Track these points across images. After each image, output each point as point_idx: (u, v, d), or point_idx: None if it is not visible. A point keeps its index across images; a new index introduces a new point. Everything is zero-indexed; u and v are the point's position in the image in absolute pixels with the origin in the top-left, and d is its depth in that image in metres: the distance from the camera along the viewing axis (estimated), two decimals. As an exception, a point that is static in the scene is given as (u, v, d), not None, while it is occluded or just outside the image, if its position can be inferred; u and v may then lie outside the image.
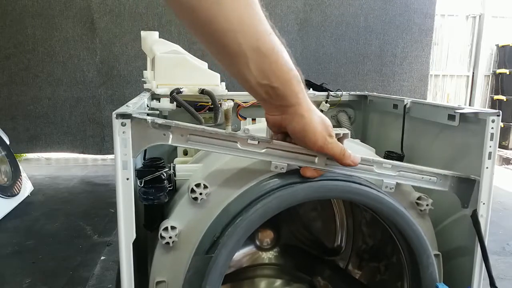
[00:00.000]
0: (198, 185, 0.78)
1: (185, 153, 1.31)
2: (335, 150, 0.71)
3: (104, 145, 3.49)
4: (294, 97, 0.67)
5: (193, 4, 0.59)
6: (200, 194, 0.78)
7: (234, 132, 0.73)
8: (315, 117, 0.69)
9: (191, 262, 0.77)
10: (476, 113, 0.88)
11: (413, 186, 0.92)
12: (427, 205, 0.90)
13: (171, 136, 0.69)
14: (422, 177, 0.83)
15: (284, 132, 0.73)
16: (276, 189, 0.75)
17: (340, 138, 0.87)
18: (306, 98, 0.69)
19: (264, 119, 0.76)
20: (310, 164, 0.75)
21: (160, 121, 0.69)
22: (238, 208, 0.76)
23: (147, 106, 1.20)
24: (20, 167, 3.00)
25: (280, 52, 0.66)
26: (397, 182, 0.82)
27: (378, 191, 0.79)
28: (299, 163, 0.75)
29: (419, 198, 0.90)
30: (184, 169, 0.92)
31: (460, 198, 0.87)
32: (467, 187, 0.86)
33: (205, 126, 0.71)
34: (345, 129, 0.82)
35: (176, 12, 0.63)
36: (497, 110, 0.85)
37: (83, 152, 3.52)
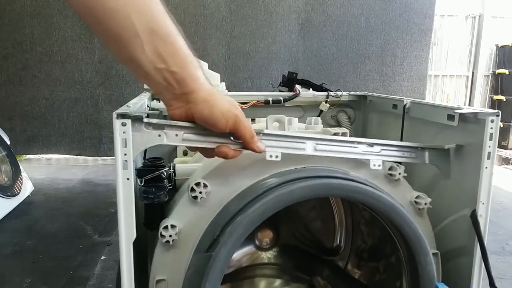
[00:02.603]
0: (198, 184, 0.78)
1: (185, 153, 1.31)
2: (246, 131, 0.69)
3: (102, 147, 3.47)
4: (195, 82, 0.64)
5: None
6: (200, 193, 0.78)
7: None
8: (219, 98, 0.67)
9: (191, 260, 0.77)
10: (475, 113, 0.89)
11: (411, 185, 0.93)
12: (425, 203, 0.90)
13: (165, 136, 0.70)
14: (403, 153, 0.88)
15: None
16: (275, 187, 0.76)
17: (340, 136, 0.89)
18: (207, 83, 0.67)
19: (263, 119, 0.76)
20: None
21: (154, 121, 0.69)
22: (237, 207, 0.76)
23: (147, 106, 1.20)
24: (21, 167, 3.00)
25: (176, 36, 0.62)
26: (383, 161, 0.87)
27: (376, 189, 0.80)
28: (213, 144, 0.73)
29: (417, 197, 0.90)
30: (184, 169, 0.92)
31: (440, 170, 0.90)
32: (444, 158, 0.90)
33: (197, 124, 0.70)
34: (343, 128, 0.83)
35: None
36: (496, 110, 0.86)
37: (80, 154, 3.50)
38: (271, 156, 0.77)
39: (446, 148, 0.92)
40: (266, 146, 0.76)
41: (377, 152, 0.86)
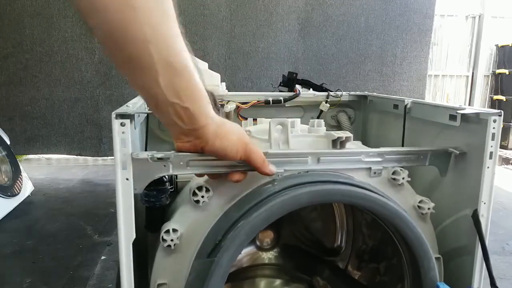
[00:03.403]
0: (200, 188, 0.78)
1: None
2: (257, 157, 0.72)
3: (102, 147, 3.47)
4: (206, 118, 0.64)
5: (105, 5, 0.53)
6: (202, 197, 0.78)
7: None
8: (228, 130, 0.68)
9: (192, 265, 0.77)
10: (477, 113, 0.88)
11: (413, 187, 0.92)
12: (428, 208, 0.90)
13: (171, 165, 0.72)
14: (405, 157, 0.88)
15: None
16: (278, 192, 0.75)
17: (343, 142, 0.88)
18: (216, 116, 0.67)
19: (265, 119, 0.76)
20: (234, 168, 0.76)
21: (159, 155, 0.71)
22: (240, 212, 0.76)
23: (147, 106, 1.20)
24: (21, 167, 3.00)
25: (192, 71, 0.62)
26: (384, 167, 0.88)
27: (380, 195, 0.80)
28: (223, 169, 0.76)
29: (420, 201, 0.90)
30: (185, 171, 0.91)
31: (438, 168, 0.91)
32: (444, 159, 0.91)
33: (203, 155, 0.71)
34: (347, 132, 0.83)
35: (84, 14, 0.55)
36: (498, 110, 0.85)
37: (80, 154, 3.50)
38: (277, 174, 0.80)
39: (450, 151, 0.91)
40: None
41: (380, 160, 0.87)
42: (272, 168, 0.76)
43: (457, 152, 0.90)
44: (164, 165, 0.71)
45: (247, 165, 0.74)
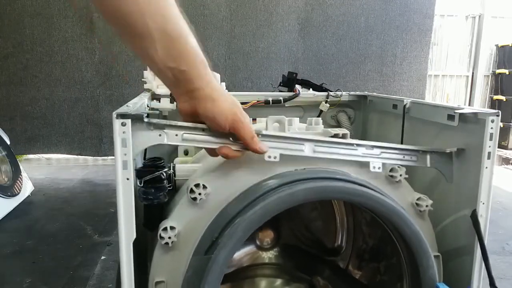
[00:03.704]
0: (197, 185, 0.78)
1: (186, 153, 1.31)
2: (245, 131, 0.71)
3: (102, 146, 3.47)
4: (202, 80, 0.68)
5: None
6: (199, 194, 0.78)
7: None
8: (223, 96, 0.70)
9: (190, 262, 0.77)
10: (475, 113, 0.88)
11: (412, 187, 0.92)
12: (426, 205, 0.90)
13: (166, 135, 0.71)
14: (404, 156, 0.87)
15: (199, 122, 0.73)
16: (275, 189, 0.75)
17: (340, 138, 0.88)
18: (213, 81, 0.70)
19: (264, 119, 0.76)
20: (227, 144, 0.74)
21: (154, 120, 0.70)
22: (237, 209, 0.76)
23: (147, 106, 1.20)
24: (21, 167, 3.00)
25: (188, 37, 0.66)
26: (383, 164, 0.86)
27: (378, 192, 0.80)
28: (215, 144, 0.74)
29: (418, 199, 0.90)
30: (184, 169, 0.92)
31: (443, 173, 0.90)
32: (446, 161, 0.89)
33: (197, 124, 0.72)
34: (344, 129, 0.83)
35: None
36: (496, 110, 0.85)
37: (80, 154, 3.51)
38: (269, 157, 0.77)
39: (448, 151, 0.91)
40: None
41: (377, 154, 0.86)
42: (262, 146, 0.74)
43: (455, 150, 0.89)
44: (160, 135, 0.71)
45: (240, 143, 0.73)
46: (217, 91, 0.69)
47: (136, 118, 0.68)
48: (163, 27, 0.63)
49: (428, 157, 0.90)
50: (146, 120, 0.69)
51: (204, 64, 0.68)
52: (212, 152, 0.76)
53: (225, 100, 0.70)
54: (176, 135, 0.71)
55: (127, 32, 0.64)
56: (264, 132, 0.78)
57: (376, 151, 0.86)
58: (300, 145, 0.81)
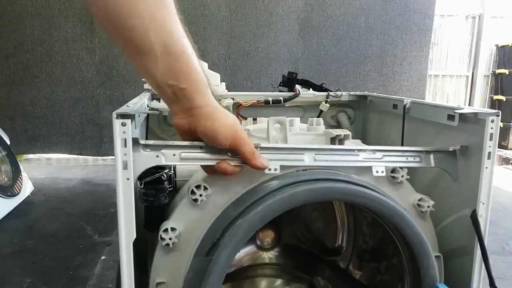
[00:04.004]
0: (198, 187, 0.78)
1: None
2: (246, 147, 0.71)
3: (102, 146, 3.48)
4: (203, 99, 0.68)
5: None
6: (200, 195, 0.78)
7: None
8: (223, 114, 0.70)
9: (191, 264, 0.77)
10: (475, 113, 0.88)
11: (413, 187, 0.92)
12: (428, 206, 0.89)
13: (163, 156, 0.72)
14: (407, 158, 0.86)
15: (196, 139, 0.72)
16: (276, 190, 0.75)
17: (341, 139, 0.88)
18: (213, 100, 0.70)
19: (264, 118, 0.76)
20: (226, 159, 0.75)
21: (150, 142, 0.71)
22: (238, 210, 0.76)
23: (147, 106, 1.20)
24: (21, 167, 3.00)
25: (190, 56, 0.66)
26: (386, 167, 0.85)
27: (379, 193, 0.79)
28: (214, 161, 0.74)
29: (420, 200, 0.90)
30: (185, 170, 0.92)
31: (448, 172, 0.89)
32: (451, 160, 0.88)
33: (194, 142, 0.72)
34: (345, 130, 0.83)
35: (88, 4, 0.62)
36: (496, 110, 0.85)
37: (80, 154, 3.51)
38: (270, 169, 0.77)
39: (451, 150, 0.91)
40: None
41: (379, 158, 0.85)
42: (263, 161, 0.74)
43: (458, 147, 0.89)
44: (157, 156, 0.71)
45: (239, 158, 0.73)
46: (217, 110, 0.69)
47: (133, 142, 0.68)
48: (166, 44, 0.63)
49: (431, 157, 0.89)
50: (142, 142, 0.70)
51: (205, 84, 0.68)
52: (208, 170, 0.76)
53: (226, 118, 0.70)
54: (174, 154, 0.72)
55: (129, 47, 0.64)
56: (263, 145, 0.78)
57: (378, 155, 0.85)
58: (300, 154, 0.81)
